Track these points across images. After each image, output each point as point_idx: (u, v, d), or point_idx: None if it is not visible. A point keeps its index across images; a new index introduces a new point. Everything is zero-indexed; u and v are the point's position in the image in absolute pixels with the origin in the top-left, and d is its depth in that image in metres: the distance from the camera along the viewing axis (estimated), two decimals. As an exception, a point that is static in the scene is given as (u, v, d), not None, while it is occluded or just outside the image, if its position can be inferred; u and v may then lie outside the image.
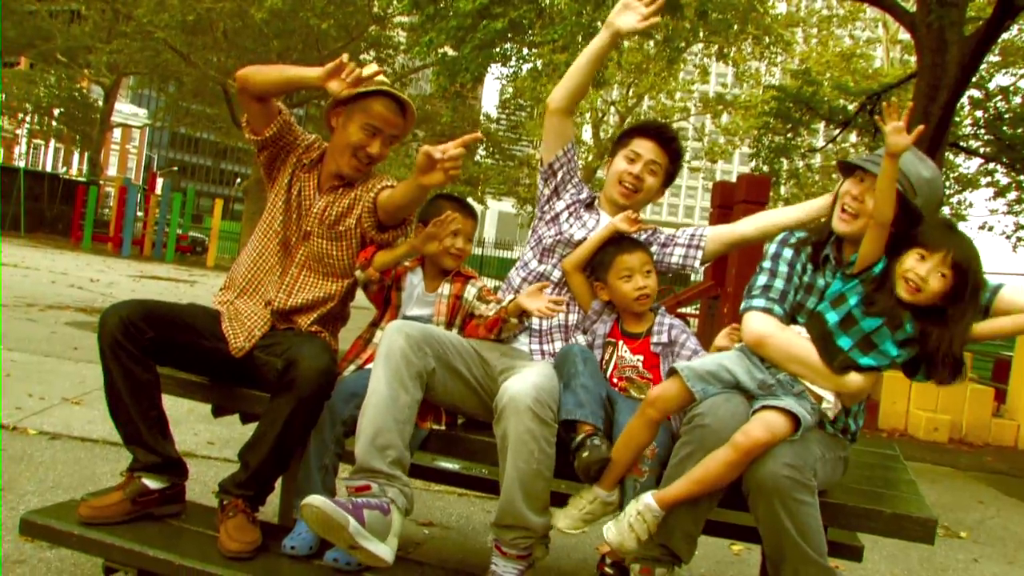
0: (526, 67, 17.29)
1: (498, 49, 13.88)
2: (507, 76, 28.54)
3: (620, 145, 3.03)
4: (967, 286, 2.21)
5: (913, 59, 20.08)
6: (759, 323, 2.39)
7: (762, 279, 2.50)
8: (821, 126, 21.88)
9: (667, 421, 2.43)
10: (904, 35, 26.84)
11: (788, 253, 2.53)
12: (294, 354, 2.55)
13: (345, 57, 2.67)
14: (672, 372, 2.38)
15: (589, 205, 3.04)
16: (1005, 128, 17.69)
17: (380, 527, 2.32)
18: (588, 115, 33.57)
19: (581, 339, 2.85)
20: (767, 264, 2.53)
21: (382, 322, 2.91)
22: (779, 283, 2.47)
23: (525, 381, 2.46)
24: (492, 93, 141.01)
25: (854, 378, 2.30)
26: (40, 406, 5.11)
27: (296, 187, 2.92)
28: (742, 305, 2.49)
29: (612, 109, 34.84)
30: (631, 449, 2.38)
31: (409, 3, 13.30)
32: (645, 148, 2.94)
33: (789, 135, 20.01)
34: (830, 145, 23.14)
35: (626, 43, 19.32)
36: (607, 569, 2.58)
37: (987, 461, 7.78)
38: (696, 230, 3.02)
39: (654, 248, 2.95)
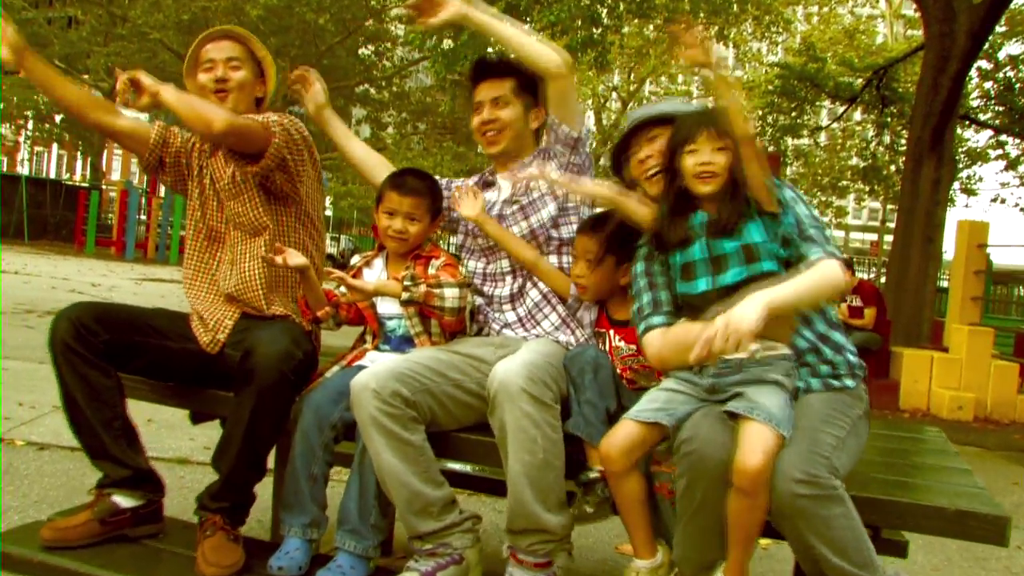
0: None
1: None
2: (507, 64, 28.39)
3: (470, 105, 2.80)
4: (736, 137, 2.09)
5: (917, 32, 19.81)
6: (648, 346, 2.26)
7: (635, 306, 2.34)
8: (826, 104, 21.65)
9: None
10: (907, 9, 26.56)
11: (641, 266, 2.35)
12: (250, 342, 2.32)
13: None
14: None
15: (488, 184, 2.81)
16: (1016, 98, 17.43)
17: (460, 573, 2.28)
18: (590, 101, 33.29)
19: (562, 310, 2.63)
20: (633, 289, 2.37)
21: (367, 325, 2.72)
22: (646, 297, 2.31)
23: (514, 361, 2.20)
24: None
25: (740, 311, 1.93)
26: (30, 415, 4.91)
27: (207, 175, 2.72)
28: None
29: (614, 95, 34.59)
30: (632, 509, 2.15)
31: (403, -9, 13.07)
32: (482, 93, 2.71)
33: (794, 113, 19.77)
34: (836, 123, 22.91)
35: (626, 27, 19.05)
36: None
37: (1015, 439, 7.53)
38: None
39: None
